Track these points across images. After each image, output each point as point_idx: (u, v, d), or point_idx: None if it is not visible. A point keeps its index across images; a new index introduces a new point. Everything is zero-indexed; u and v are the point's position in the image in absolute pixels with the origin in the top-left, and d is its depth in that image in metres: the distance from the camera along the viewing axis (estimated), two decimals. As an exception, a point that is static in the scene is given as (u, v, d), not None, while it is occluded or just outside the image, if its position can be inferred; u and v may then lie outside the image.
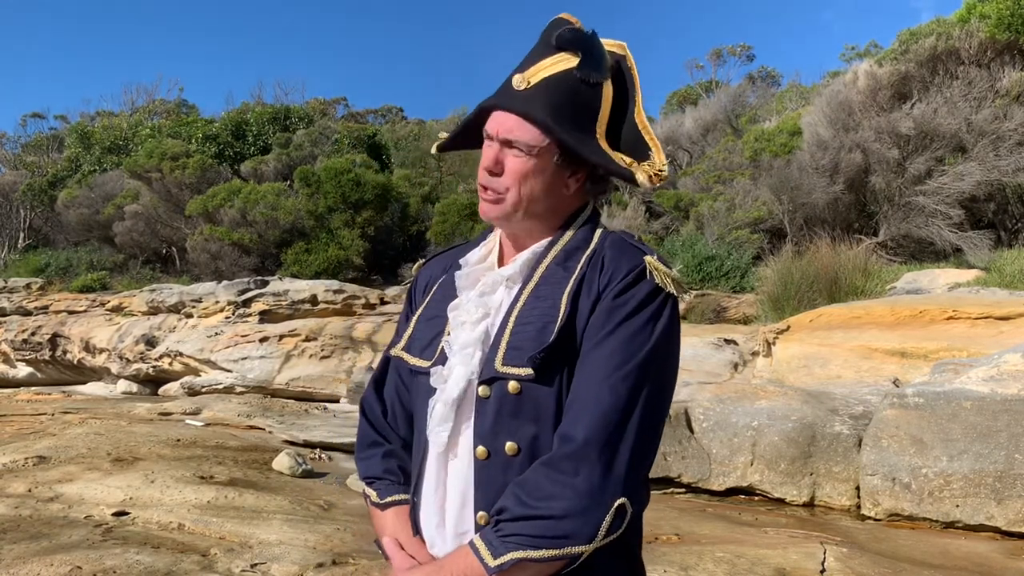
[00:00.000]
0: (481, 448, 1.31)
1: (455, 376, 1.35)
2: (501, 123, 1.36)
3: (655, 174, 1.38)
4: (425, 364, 1.41)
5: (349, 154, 18.96)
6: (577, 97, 1.36)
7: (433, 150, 1.59)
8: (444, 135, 1.58)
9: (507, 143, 1.36)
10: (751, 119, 18.22)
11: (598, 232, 1.42)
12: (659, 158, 1.39)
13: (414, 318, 1.51)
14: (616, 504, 1.22)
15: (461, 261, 1.49)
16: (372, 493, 1.49)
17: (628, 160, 1.39)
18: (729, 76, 28.14)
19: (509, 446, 1.30)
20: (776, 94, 21.76)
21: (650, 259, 1.33)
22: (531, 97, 1.34)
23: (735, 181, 14.66)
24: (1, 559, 3.63)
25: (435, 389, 1.37)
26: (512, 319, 1.35)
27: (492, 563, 1.21)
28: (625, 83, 1.43)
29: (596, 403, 1.25)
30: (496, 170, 1.37)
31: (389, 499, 1.47)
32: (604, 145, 1.39)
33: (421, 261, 1.63)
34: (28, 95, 75.39)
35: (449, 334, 1.40)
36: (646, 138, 1.41)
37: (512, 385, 1.30)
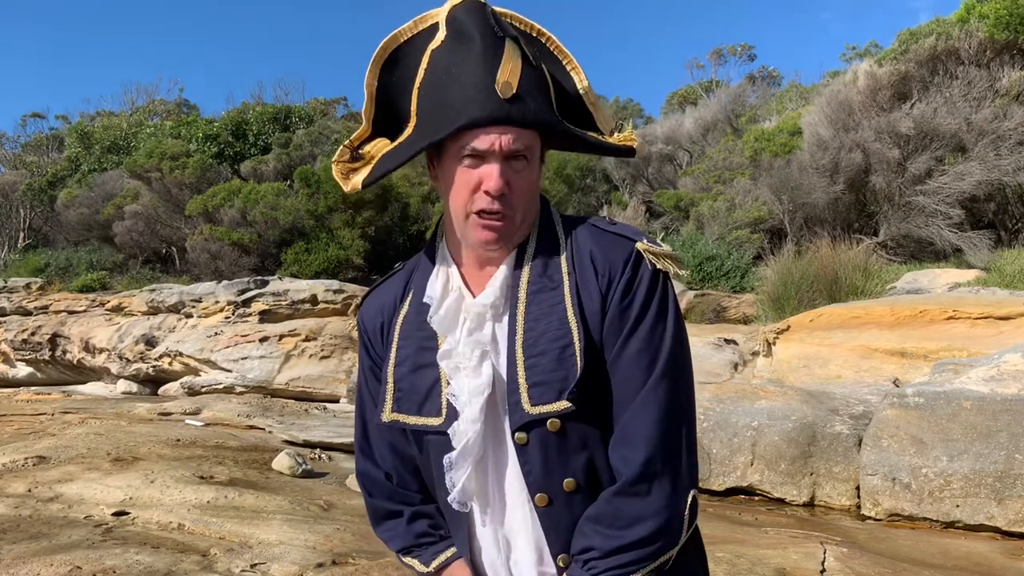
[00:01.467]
0: (540, 495, 1.25)
1: (472, 430, 1.27)
2: (501, 137, 1.22)
3: (630, 138, 1.34)
4: (434, 422, 1.29)
5: (349, 154, 18.94)
6: (540, 86, 1.27)
7: (350, 187, 1.32)
8: (345, 162, 1.32)
9: (512, 156, 1.24)
10: (751, 119, 18.24)
11: (559, 227, 1.34)
12: (607, 122, 1.34)
13: (388, 370, 1.34)
14: (689, 500, 1.24)
15: (426, 300, 1.33)
16: (415, 563, 1.39)
17: (612, 136, 1.34)
18: (729, 76, 28.24)
19: (567, 483, 1.25)
20: (776, 94, 21.78)
21: (640, 245, 1.28)
22: (522, 104, 1.23)
23: (735, 181, 14.67)
24: (1, 559, 3.63)
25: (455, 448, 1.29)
26: (519, 352, 1.25)
27: None
28: (545, 57, 1.32)
29: (645, 416, 1.23)
30: (506, 192, 1.24)
31: (437, 563, 1.37)
32: (575, 127, 1.31)
33: (356, 304, 1.51)
34: (28, 95, 75.58)
35: (448, 384, 1.29)
36: (588, 102, 1.33)
37: (551, 423, 1.23)
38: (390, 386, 1.33)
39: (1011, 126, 11.90)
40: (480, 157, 1.23)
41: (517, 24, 1.30)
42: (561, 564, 1.26)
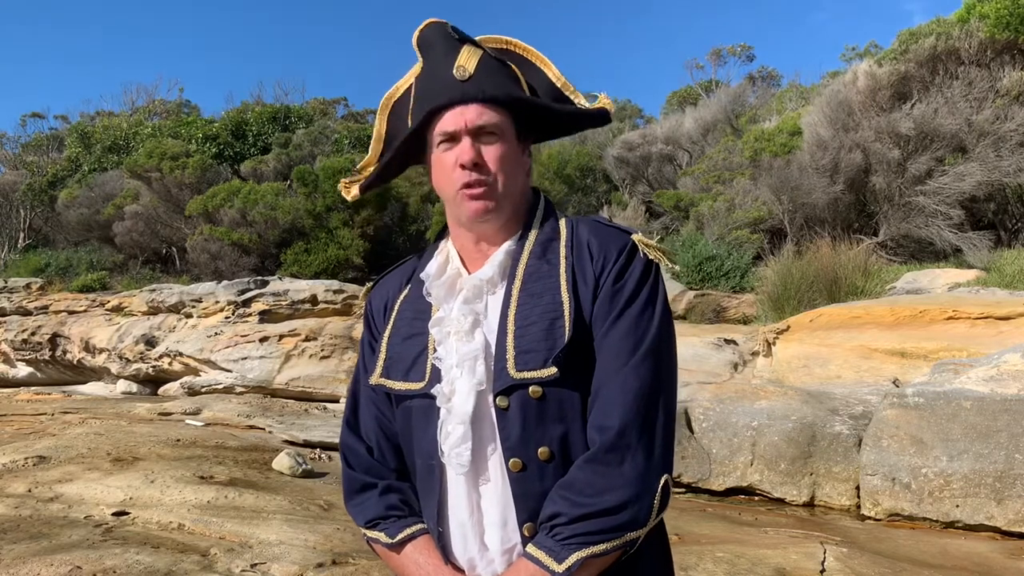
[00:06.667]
0: (514, 460, 1.27)
1: (461, 390, 1.30)
2: (464, 115, 1.32)
3: (604, 103, 1.44)
4: (417, 386, 1.34)
5: (349, 154, 18.96)
6: (505, 73, 1.38)
7: (351, 196, 1.50)
8: (353, 179, 1.49)
9: (478, 132, 1.33)
10: (751, 119, 18.22)
11: (563, 221, 1.41)
12: (585, 100, 1.45)
13: (383, 341, 1.42)
14: (661, 483, 1.24)
15: (422, 276, 1.42)
16: (380, 535, 1.38)
17: (586, 103, 1.44)
18: (729, 76, 28.18)
19: (541, 452, 1.27)
20: (776, 94, 21.74)
21: (636, 236, 1.36)
22: (478, 82, 1.33)
23: (735, 181, 14.66)
24: (1, 559, 3.63)
25: (439, 409, 1.32)
26: (510, 322, 1.30)
27: (559, 568, 1.20)
28: (514, 61, 1.45)
29: (624, 389, 1.25)
30: (480, 161, 1.32)
31: (402, 535, 1.37)
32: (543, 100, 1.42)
33: (369, 285, 1.55)
34: (28, 95, 75.50)
35: (435, 351, 1.34)
36: (567, 93, 1.44)
37: (533, 390, 1.27)
38: (382, 355, 1.41)
39: (1012, 127, 11.90)
40: (452, 138, 1.34)
41: (490, 43, 1.43)
42: (527, 533, 1.27)
